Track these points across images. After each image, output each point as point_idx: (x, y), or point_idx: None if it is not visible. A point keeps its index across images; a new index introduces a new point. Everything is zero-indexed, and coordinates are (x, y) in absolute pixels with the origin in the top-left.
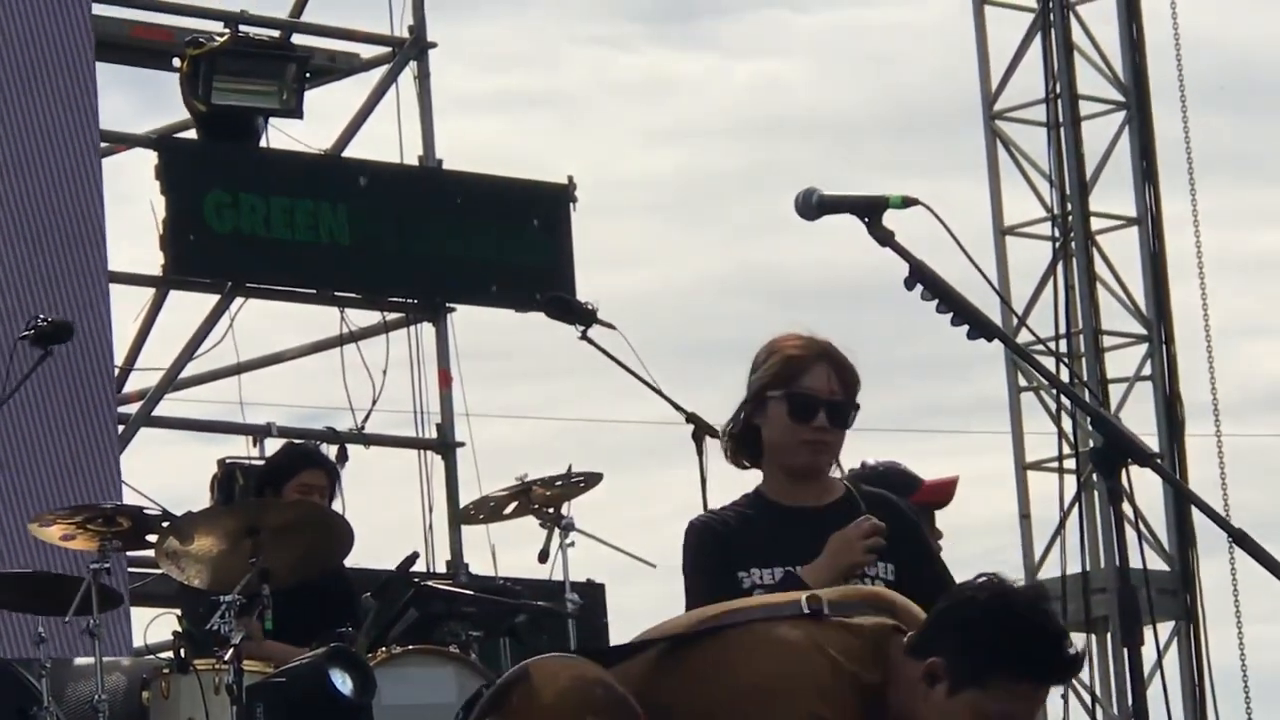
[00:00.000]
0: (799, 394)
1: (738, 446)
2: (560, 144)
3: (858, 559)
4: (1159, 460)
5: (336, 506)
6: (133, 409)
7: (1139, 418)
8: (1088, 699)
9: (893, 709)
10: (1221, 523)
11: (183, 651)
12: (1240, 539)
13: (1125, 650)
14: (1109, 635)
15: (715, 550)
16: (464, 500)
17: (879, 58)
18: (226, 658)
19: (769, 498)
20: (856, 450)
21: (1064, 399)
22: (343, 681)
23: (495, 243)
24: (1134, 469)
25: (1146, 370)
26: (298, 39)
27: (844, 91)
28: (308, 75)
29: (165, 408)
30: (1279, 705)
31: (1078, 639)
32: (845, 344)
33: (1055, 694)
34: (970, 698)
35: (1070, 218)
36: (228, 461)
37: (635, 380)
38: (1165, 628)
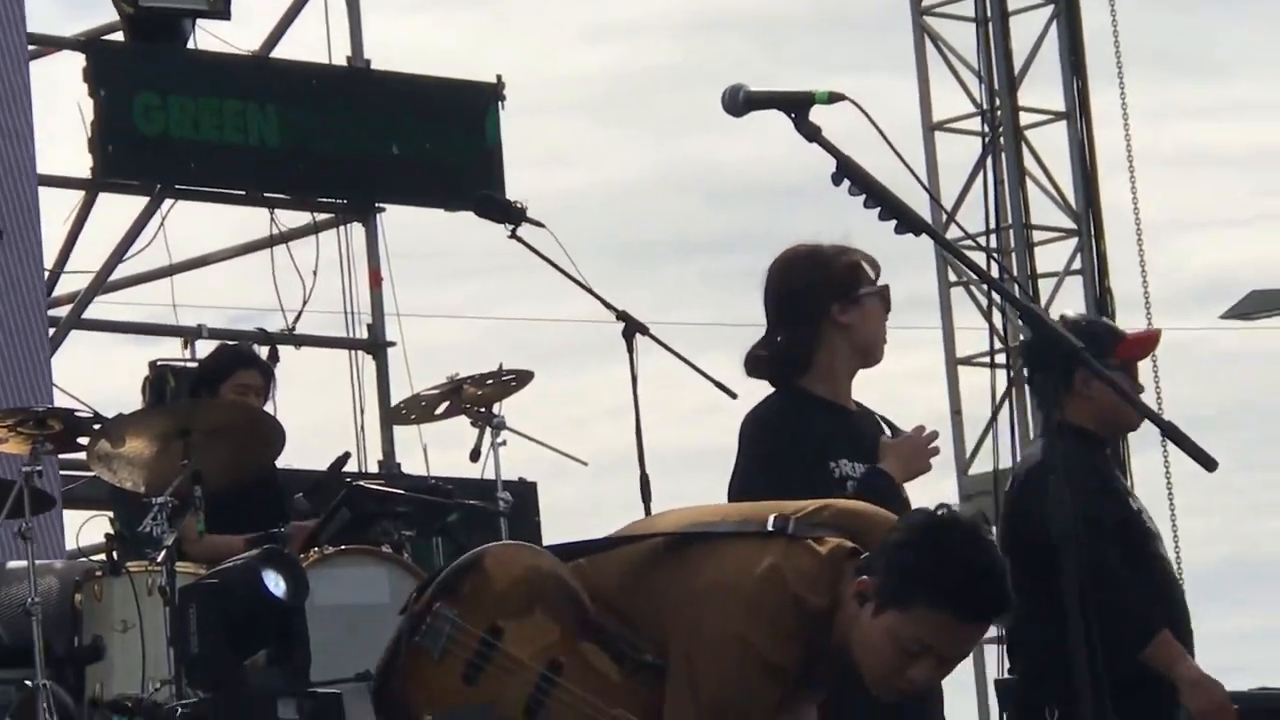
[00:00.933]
0: (886, 288)
1: (795, 350)
2: (489, 43)
3: (925, 466)
4: (1087, 354)
5: (268, 408)
6: (63, 312)
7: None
8: None
9: (836, 631)
10: (1151, 416)
11: (115, 554)
12: (1170, 432)
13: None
14: None
15: (806, 440)
16: (395, 400)
17: None
18: (159, 559)
19: (823, 397)
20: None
21: (994, 294)
22: (275, 583)
23: (424, 142)
24: None
25: (1076, 265)
26: None
27: None
28: None
29: (96, 310)
30: (1214, 599)
31: None
32: (776, 240)
33: None
34: (889, 620)
35: (999, 113)
36: (159, 363)
37: (565, 279)
38: None
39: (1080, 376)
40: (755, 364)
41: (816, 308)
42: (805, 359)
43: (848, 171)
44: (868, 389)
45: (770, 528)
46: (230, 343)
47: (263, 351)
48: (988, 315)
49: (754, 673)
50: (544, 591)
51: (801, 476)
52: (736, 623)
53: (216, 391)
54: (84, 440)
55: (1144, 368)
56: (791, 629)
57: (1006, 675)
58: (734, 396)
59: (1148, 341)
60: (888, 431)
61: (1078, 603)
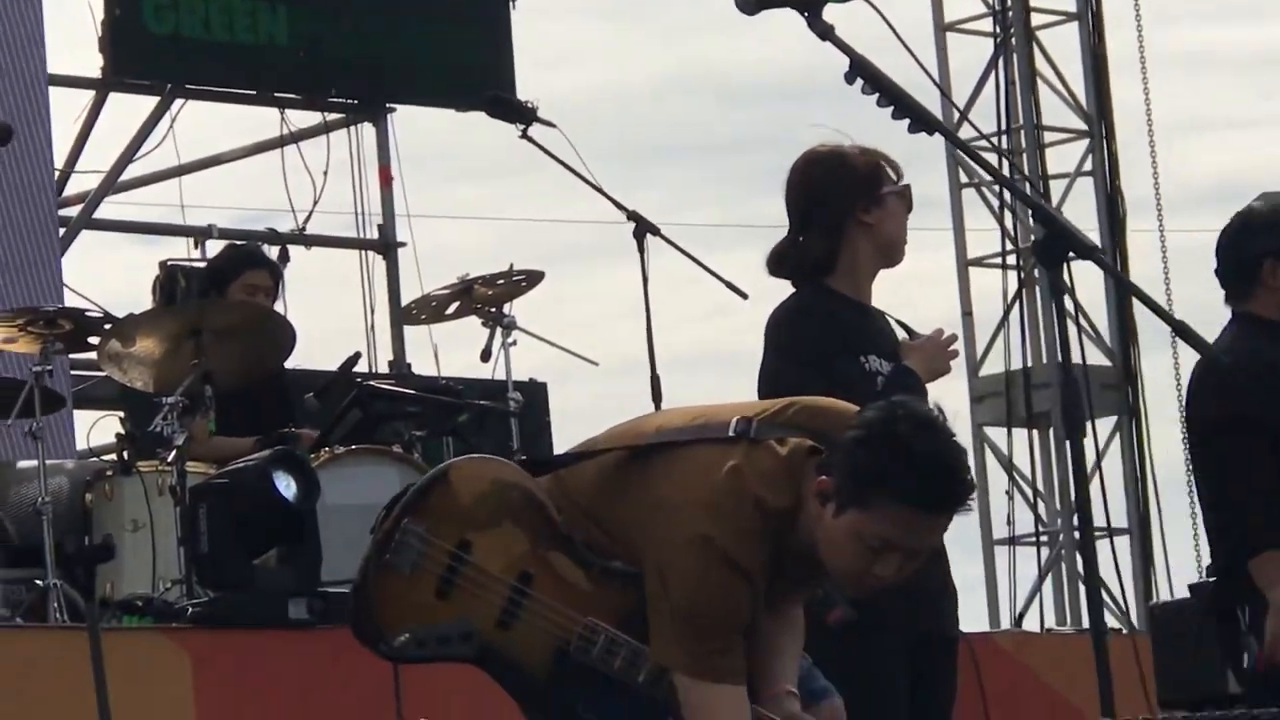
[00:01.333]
0: (907, 187)
1: (822, 248)
2: None
3: (947, 367)
4: (1100, 253)
5: (278, 308)
6: (73, 212)
7: (1080, 214)
8: (1030, 494)
9: (800, 531)
10: (1163, 314)
11: (126, 453)
12: (1182, 331)
13: (1068, 444)
14: (1050, 431)
15: (836, 334)
16: (406, 300)
17: None
18: (170, 459)
19: (848, 295)
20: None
21: (1006, 194)
22: (286, 485)
23: (435, 42)
24: (1076, 264)
25: (1088, 166)
26: None
27: None
28: None
29: (106, 210)
30: None
31: (1019, 435)
32: (788, 141)
33: (999, 491)
34: (851, 519)
35: (1011, 13)
36: (169, 263)
37: (576, 179)
38: (1107, 423)
39: (1268, 268)
40: (778, 263)
41: (840, 208)
42: (829, 259)
43: (861, 70)
44: (878, 291)
45: (732, 432)
46: (239, 243)
47: (273, 252)
48: (999, 216)
49: (721, 573)
50: (511, 503)
51: (835, 370)
52: (700, 525)
53: (225, 292)
54: (94, 340)
55: (1153, 271)
56: (755, 529)
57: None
58: (745, 297)
59: None
60: (902, 334)
61: (1086, 495)
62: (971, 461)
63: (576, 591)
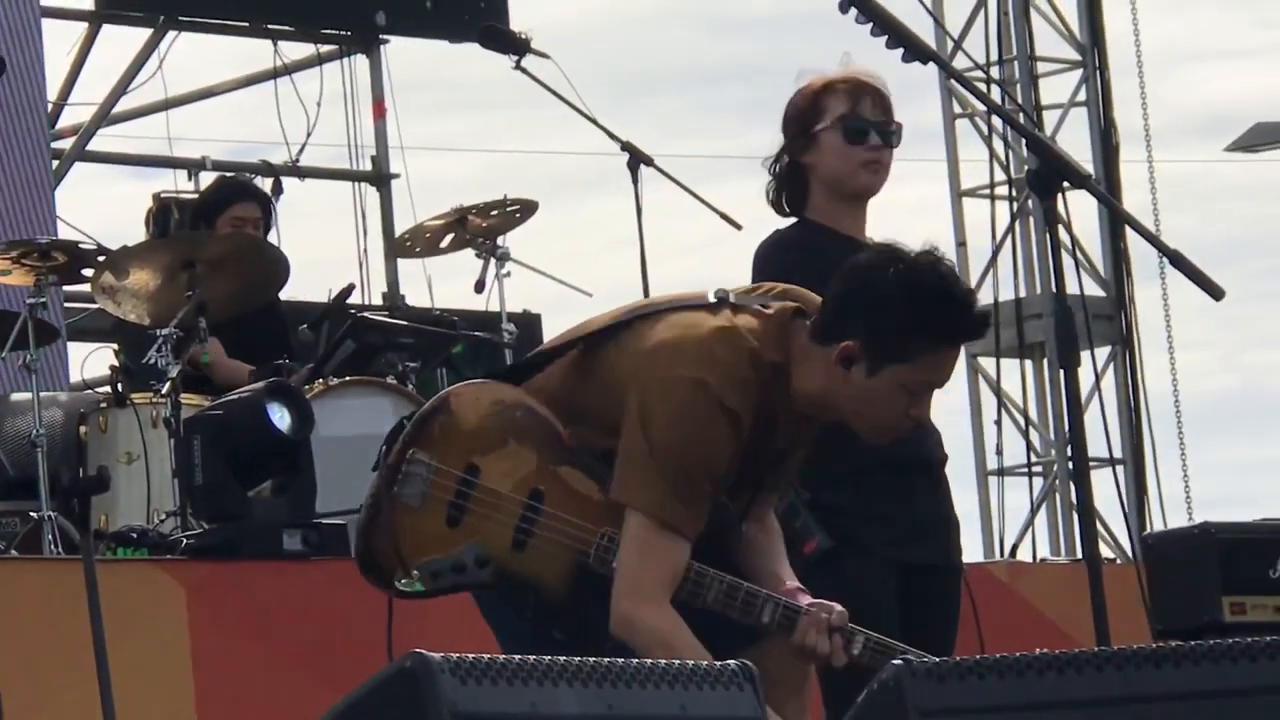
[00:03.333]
0: (849, 118)
1: (782, 189)
2: None
3: None
4: (1094, 181)
5: (272, 239)
6: (67, 144)
7: (1073, 145)
8: (1022, 422)
9: (796, 387)
10: (1155, 242)
11: (120, 386)
12: (1175, 259)
13: (1063, 374)
14: (1045, 361)
15: (813, 266)
16: (399, 232)
17: None
18: (164, 391)
19: (829, 227)
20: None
21: (999, 124)
22: (280, 416)
23: None
24: (1069, 195)
25: (1081, 96)
26: None
27: None
28: None
29: (99, 143)
30: (1215, 432)
31: (1012, 365)
32: (781, 71)
33: (988, 421)
34: (893, 373)
35: None
36: (163, 195)
37: (571, 110)
38: (1101, 353)
39: None
40: (768, 199)
41: (787, 152)
42: (802, 192)
43: (855, 0)
44: (871, 222)
45: (712, 298)
46: (228, 175)
47: (266, 184)
48: (992, 147)
49: (711, 411)
50: (514, 421)
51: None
52: (693, 368)
53: (214, 224)
54: (88, 272)
55: (1144, 202)
56: (748, 378)
57: None
58: (739, 227)
59: None
60: None
61: (1080, 426)
62: (966, 392)
63: (590, 503)
